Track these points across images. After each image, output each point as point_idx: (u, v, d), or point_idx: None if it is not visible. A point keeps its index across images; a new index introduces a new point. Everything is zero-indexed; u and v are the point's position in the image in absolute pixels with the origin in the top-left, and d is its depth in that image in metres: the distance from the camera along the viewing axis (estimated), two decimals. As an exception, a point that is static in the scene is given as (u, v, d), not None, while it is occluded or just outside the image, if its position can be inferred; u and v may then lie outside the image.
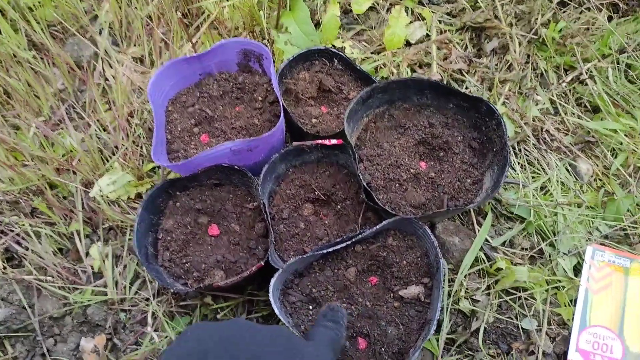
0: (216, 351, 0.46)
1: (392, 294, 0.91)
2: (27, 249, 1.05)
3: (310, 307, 0.90)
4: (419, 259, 0.92)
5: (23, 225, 1.07)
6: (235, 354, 0.46)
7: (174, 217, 1.00)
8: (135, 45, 1.31)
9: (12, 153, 1.12)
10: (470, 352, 0.97)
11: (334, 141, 0.98)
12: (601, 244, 1.07)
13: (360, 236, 0.90)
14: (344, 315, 0.69)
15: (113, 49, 1.30)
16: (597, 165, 1.17)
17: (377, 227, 0.90)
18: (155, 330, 1.00)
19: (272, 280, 0.84)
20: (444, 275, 0.91)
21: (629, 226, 1.09)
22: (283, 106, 0.99)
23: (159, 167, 1.16)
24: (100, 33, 1.31)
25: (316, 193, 1.00)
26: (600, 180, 1.16)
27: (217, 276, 0.92)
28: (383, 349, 0.86)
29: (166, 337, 0.98)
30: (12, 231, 1.06)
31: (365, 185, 0.89)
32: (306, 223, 0.99)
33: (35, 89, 1.18)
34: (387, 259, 0.92)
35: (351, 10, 1.35)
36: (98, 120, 1.19)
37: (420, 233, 0.91)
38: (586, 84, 1.27)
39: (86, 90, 1.26)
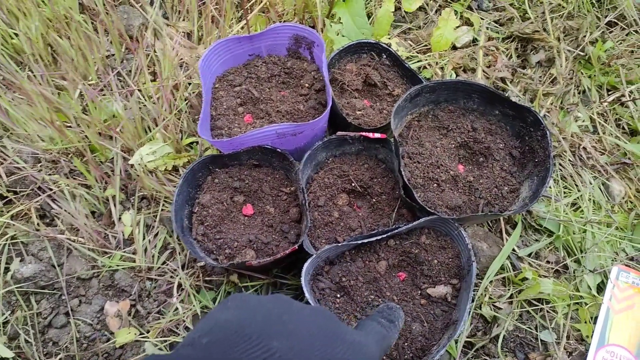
0: (255, 324, 0.45)
1: (419, 291, 0.92)
2: (61, 209, 1.07)
3: (338, 296, 0.91)
4: (450, 259, 0.93)
5: (60, 185, 1.09)
6: (275, 329, 0.45)
7: (211, 193, 1.01)
8: (184, 20, 1.32)
9: (56, 113, 1.14)
10: (486, 358, 0.98)
11: (377, 135, 0.99)
12: (626, 265, 1.08)
13: (395, 231, 0.91)
14: (402, 317, 0.65)
15: (162, 21, 1.30)
16: (630, 188, 1.17)
17: (413, 224, 0.91)
18: (180, 302, 1.01)
19: (305, 265, 0.85)
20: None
21: (656, 251, 1.10)
22: (331, 95, 1.00)
23: (196, 142, 1.17)
24: (151, 4, 1.32)
25: (353, 184, 1.01)
26: (631, 202, 1.16)
27: (248, 255, 0.94)
28: (406, 344, 0.87)
29: (190, 309, 1.00)
30: (51, 189, 1.08)
31: (407, 181, 0.90)
32: (340, 213, 1.00)
33: (84, 52, 1.19)
34: (418, 257, 0.93)
35: (400, 8, 1.36)
36: (140, 90, 1.20)
37: (455, 235, 0.92)
38: (627, 106, 1.27)
39: (132, 59, 1.27)
